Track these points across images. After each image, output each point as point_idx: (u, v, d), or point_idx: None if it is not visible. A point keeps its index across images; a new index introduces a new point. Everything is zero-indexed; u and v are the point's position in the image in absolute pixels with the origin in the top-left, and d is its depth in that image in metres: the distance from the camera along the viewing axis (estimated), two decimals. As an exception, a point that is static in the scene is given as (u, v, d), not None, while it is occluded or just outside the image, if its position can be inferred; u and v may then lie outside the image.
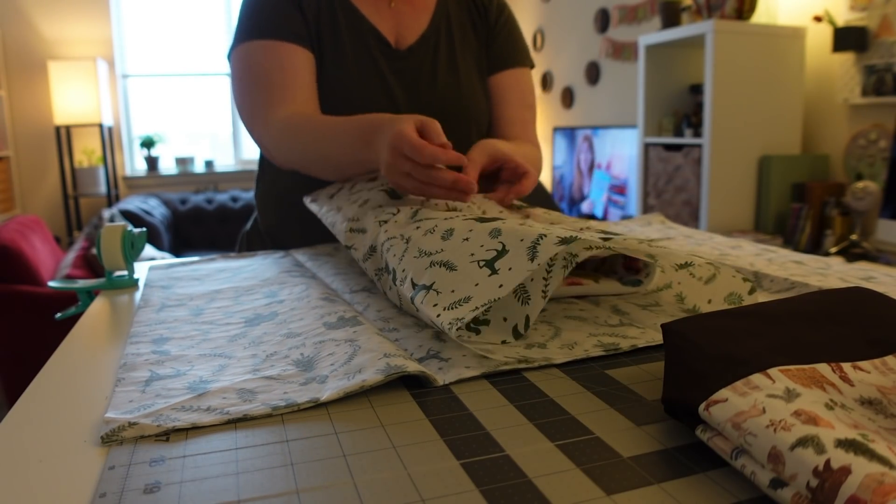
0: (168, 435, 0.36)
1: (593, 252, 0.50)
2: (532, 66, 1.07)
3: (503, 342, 0.50)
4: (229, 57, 0.91)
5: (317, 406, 0.40)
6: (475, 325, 0.51)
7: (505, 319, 0.51)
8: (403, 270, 0.54)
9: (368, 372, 0.42)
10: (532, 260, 0.46)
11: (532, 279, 0.51)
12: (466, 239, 0.52)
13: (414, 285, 0.52)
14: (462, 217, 0.57)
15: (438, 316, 0.46)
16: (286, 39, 0.87)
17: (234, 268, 0.78)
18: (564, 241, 0.46)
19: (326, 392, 0.41)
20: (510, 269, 0.47)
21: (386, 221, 0.63)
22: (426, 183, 0.64)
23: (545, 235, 0.48)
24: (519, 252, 0.47)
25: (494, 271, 0.47)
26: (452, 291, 0.48)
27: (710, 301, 0.56)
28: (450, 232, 0.54)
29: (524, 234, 0.49)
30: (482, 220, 0.55)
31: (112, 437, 0.36)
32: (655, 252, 0.52)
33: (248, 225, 1.08)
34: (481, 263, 0.49)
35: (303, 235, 0.98)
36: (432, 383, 0.42)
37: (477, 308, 0.45)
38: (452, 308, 0.46)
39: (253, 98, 0.87)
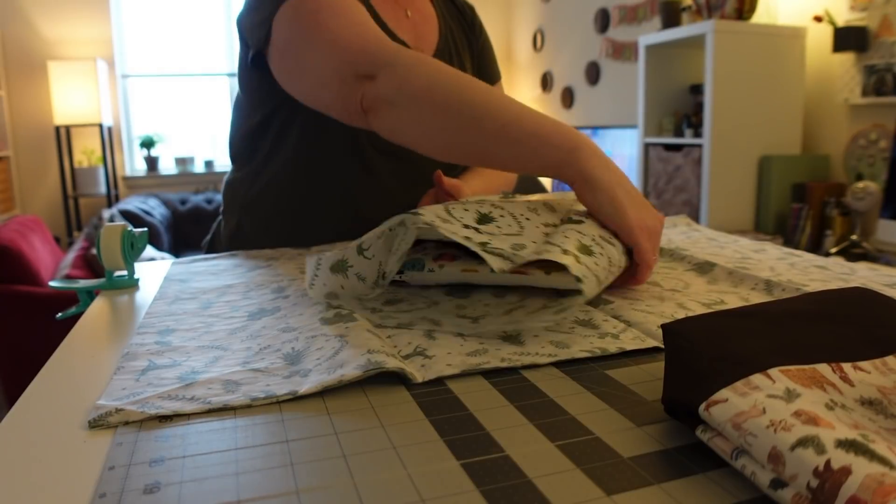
0: (170, 418, 0.36)
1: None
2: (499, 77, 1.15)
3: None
4: (270, 20, 0.77)
5: (317, 407, 0.40)
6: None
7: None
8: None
9: (349, 367, 0.42)
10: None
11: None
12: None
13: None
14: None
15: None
16: None
17: (251, 264, 0.80)
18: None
19: (306, 385, 0.41)
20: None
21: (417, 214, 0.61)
22: None
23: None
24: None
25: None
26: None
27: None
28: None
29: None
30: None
31: (99, 422, 0.37)
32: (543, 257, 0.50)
33: (210, 234, 1.08)
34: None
35: (282, 235, 0.97)
36: (412, 380, 0.43)
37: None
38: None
39: (347, 23, 0.71)
